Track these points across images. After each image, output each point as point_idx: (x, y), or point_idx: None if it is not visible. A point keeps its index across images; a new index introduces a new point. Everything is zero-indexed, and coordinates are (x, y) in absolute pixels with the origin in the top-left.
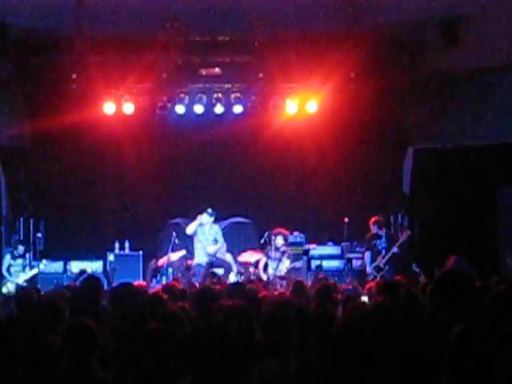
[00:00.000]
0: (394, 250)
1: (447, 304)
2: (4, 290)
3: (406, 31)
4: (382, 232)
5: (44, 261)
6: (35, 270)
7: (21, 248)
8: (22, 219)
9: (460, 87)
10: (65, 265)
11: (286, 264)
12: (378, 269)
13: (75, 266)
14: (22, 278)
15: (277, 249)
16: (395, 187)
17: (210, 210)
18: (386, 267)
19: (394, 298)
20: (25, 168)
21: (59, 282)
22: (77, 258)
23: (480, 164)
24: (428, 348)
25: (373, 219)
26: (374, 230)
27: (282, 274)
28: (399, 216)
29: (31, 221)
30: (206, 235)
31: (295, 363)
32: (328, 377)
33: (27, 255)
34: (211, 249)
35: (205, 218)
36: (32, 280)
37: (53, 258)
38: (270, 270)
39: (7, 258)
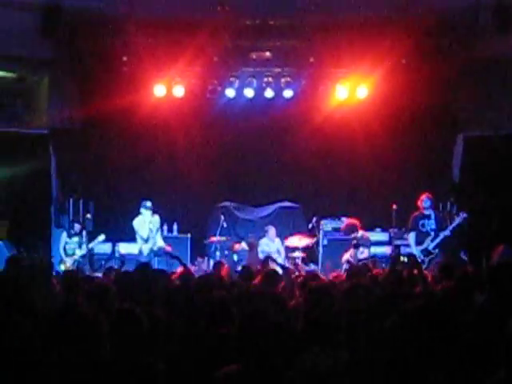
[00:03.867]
0: (447, 232)
1: (500, 296)
2: (62, 267)
3: (458, 16)
4: (432, 212)
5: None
6: (101, 237)
7: (77, 226)
8: (71, 200)
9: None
10: (113, 246)
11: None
12: (426, 252)
13: (123, 248)
14: (90, 245)
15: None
16: (445, 174)
17: (148, 204)
18: (436, 251)
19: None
20: (75, 150)
21: (107, 263)
22: (125, 240)
23: None
24: (482, 340)
25: (425, 194)
26: (424, 205)
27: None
28: (448, 204)
29: (81, 202)
30: (146, 227)
31: (346, 354)
32: (379, 369)
33: (83, 233)
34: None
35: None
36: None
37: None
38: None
39: (63, 237)
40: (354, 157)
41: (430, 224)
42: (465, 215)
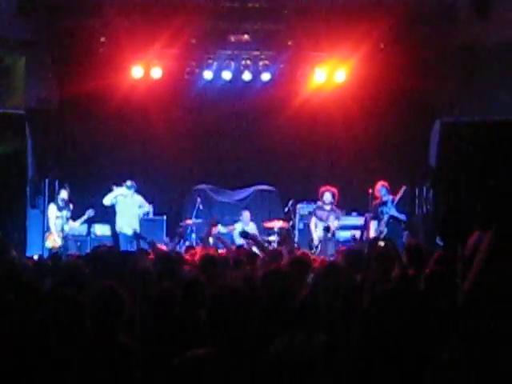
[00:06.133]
0: (394, 211)
1: None
2: (49, 244)
3: (437, 2)
4: (389, 198)
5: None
6: (90, 212)
7: (63, 192)
8: (47, 181)
9: (490, 60)
10: (89, 228)
11: (334, 224)
12: (379, 232)
13: (99, 229)
14: (78, 222)
15: (324, 204)
16: (421, 160)
17: (128, 183)
18: (386, 229)
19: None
20: (51, 130)
21: (83, 244)
22: (101, 221)
23: (508, 138)
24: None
25: (381, 182)
26: (381, 193)
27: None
28: (424, 189)
29: (56, 183)
30: (128, 206)
31: (323, 337)
32: (356, 352)
33: (70, 206)
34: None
35: (124, 191)
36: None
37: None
38: (318, 232)
39: (53, 210)
40: (331, 140)
41: (389, 209)
42: (404, 187)
